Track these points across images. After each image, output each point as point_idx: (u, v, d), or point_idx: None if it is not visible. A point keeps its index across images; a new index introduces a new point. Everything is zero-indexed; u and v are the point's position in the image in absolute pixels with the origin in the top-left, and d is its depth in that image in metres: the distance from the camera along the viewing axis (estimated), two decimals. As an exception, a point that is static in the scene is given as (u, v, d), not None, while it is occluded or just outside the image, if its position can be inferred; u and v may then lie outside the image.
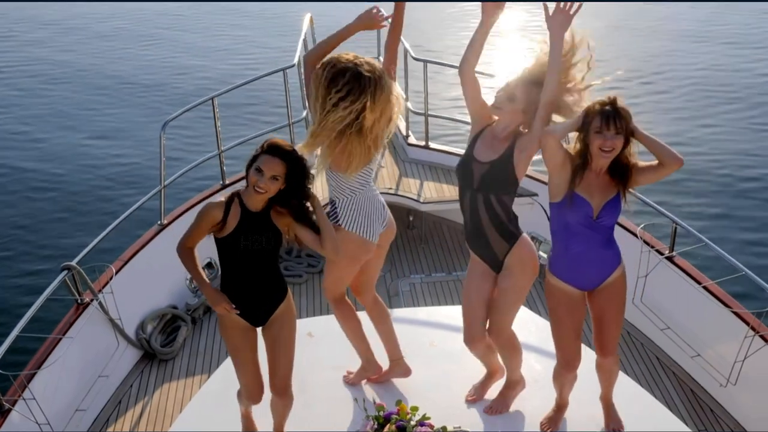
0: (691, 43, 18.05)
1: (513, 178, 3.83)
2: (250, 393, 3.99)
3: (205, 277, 3.71)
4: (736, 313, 5.33)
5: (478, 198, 3.89)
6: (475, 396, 4.50)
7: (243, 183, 3.68)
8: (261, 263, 3.73)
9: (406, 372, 4.60)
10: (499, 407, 4.39)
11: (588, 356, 4.08)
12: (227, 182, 7.26)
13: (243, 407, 4.21)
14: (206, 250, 3.95)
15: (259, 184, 3.50)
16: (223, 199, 3.63)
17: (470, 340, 4.23)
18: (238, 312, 3.71)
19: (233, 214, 3.60)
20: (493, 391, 4.49)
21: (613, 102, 3.54)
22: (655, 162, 3.64)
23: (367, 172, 4.05)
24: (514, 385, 4.40)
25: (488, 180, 3.84)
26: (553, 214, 3.82)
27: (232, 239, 3.62)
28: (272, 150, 3.52)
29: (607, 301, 3.90)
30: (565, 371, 4.08)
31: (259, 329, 3.93)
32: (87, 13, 22.38)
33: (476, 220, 3.94)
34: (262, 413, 4.20)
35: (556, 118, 3.82)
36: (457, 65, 3.92)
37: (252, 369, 3.93)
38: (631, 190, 3.75)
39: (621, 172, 3.66)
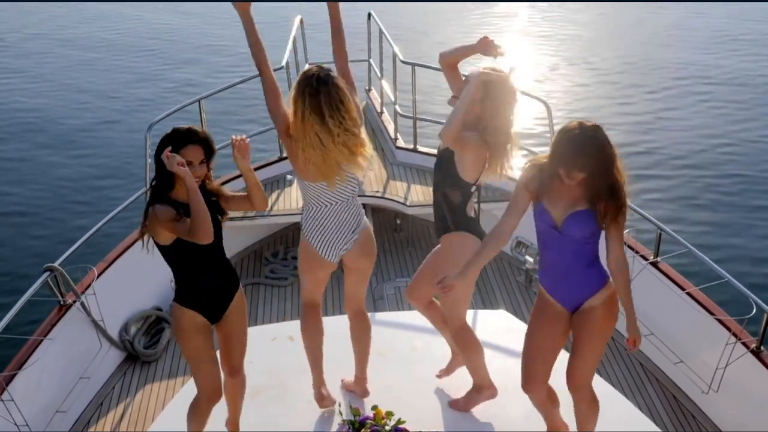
0: (691, 49, 18.16)
1: (452, 173, 3.94)
2: (212, 393, 3.90)
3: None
4: (719, 320, 5.34)
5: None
6: (440, 374, 4.65)
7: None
8: (211, 253, 3.71)
9: (363, 393, 4.52)
10: (459, 405, 4.41)
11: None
12: None
13: (196, 426, 4.02)
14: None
15: (197, 174, 3.54)
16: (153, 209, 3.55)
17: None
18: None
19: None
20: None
21: (573, 138, 3.34)
22: None
23: (341, 189, 3.96)
24: (479, 388, 4.36)
25: (436, 170, 4.10)
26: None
27: (178, 238, 3.57)
28: (191, 139, 3.55)
29: (581, 327, 3.69)
30: (524, 389, 3.90)
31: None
32: (73, 14, 22.48)
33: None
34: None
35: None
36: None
37: (214, 368, 3.88)
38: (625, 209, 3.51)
39: (604, 192, 3.42)
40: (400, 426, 3.84)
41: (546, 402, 4.00)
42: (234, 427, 4.26)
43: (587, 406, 3.88)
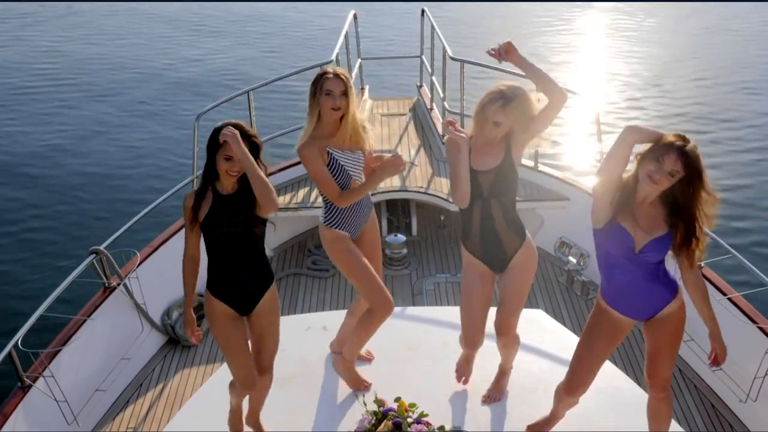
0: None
1: (516, 176, 4.00)
2: (244, 382, 3.96)
3: (191, 300, 3.96)
4: (760, 328, 5.21)
5: (491, 204, 3.98)
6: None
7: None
8: (242, 247, 3.77)
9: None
10: (496, 395, 4.48)
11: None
12: None
13: (234, 400, 4.20)
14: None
15: (234, 169, 3.63)
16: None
17: (473, 344, 4.34)
18: (198, 342, 3.81)
19: (206, 201, 3.71)
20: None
21: (687, 141, 3.31)
22: None
23: None
24: (507, 372, 4.53)
25: (500, 185, 3.95)
26: (595, 241, 3.64)
27: (207, 225, 3.71)
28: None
29: (658, 335, 3.73)
30: (566, 395, 3.98)
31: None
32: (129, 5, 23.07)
33: (489, 224, 4.03)
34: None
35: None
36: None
37: (245, 358, 3.93)
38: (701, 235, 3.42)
39: (682, 216, 3.39)
40: (423, 419, 3.86)
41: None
42: (254, 419, 4.31)
43: (667, 405, 3.97)
